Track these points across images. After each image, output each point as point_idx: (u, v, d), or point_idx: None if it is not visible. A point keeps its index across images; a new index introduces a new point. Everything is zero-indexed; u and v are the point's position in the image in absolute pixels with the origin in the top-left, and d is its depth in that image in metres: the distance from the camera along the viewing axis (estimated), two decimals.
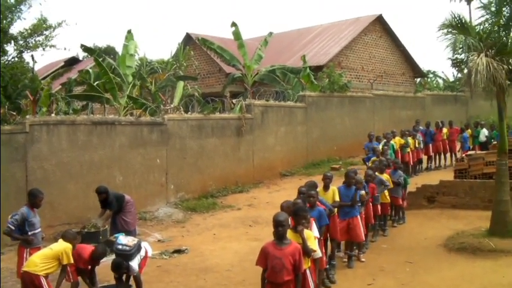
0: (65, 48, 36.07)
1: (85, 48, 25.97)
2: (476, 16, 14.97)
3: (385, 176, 14.74)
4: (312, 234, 8.61)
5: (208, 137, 21.18)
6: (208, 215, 18.37)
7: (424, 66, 47.51)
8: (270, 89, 28.45)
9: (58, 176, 16.27)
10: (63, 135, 16.65)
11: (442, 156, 24.98)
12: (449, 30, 13.60)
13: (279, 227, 7.42)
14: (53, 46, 22.20)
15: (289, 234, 7.94)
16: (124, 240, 9.95)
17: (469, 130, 24.94)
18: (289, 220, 8.17)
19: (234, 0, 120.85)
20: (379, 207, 14.38)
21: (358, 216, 12.29)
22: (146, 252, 10.40)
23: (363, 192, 12.67)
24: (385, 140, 20.74)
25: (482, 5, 14.42)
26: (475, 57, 12.49)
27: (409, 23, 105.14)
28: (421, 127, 24.24)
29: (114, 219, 13.06)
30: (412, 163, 22.34)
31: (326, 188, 11.91)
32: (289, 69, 29.62)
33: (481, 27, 14.18)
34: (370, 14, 38.10)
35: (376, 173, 14.41)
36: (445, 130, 24.47)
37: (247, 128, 22.63)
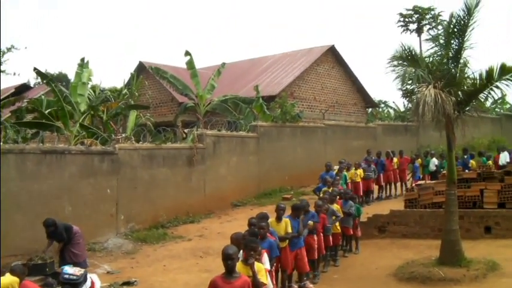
0: (14, 74, 35.49)
1: (38, 72, 25.56)
2: (427, 48, 15.14)
3: (336, 207, 14.77)
4: (263, 267, 8.54)
5: (160, 167, 21.01)
6: (158, 246, 18.15)
7: (375, 96, 48.16)
8: (222, 119, 28.43)
9: (6, 206, 15.88)
10: (11, 164, 16.37)
11: (393, 185, 25.13)
12: (399, 62, 13.82)
13: (228, 260, 7.33)
14: (3, 71, 21.88)
15: (240, 266, 7.87)
16: (70, 270, 9.87)
17: (420, 159, 25.23)
18: (240, 252, 8.11)
19: (188, 30, 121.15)
20: (330, 237, 14.36)
21: (304, 248, 12.35)
22: (93, 284, 10.21)
23: (310, 222, 12.71)
24: (336, 170, 20.89)
25: (431, 37, 14.70)
26: (424, 89, 12.69)
27: (361, 53, 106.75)
28: (372, 157, 24.43)
29: (62, 251, 12.78)
30: (362, 193, 22.42)
31: (279, 219, 11.90)
32: (242, 99, 29.67)
33: (431, 59, 14.45)
34: (322, 44, 38.56)
35: (328, 204, 14.45)
36: (395, 160, 24.73)
37: (199, 158, 22.53)
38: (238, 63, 41.12)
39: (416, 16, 54.78)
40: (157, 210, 20.54)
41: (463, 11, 13.58)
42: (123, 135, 22.45)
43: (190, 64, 29.25)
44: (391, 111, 49.94)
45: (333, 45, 38.01)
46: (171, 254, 17.02)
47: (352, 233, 15.82)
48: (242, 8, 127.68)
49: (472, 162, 22.89)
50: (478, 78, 13.67)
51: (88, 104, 23.83)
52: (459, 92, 13.47)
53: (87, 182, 18.25)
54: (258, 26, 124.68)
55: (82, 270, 10.01)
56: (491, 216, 16.69)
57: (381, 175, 24.23)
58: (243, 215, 20.11)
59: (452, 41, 13.88)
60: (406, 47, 13.87)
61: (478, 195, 17.19)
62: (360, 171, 22.16)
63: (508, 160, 23.28)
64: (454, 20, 13.91)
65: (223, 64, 31.64)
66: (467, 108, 14.11)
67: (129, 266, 15.86)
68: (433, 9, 53.67)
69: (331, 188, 16.87)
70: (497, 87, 13.55)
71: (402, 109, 45.51)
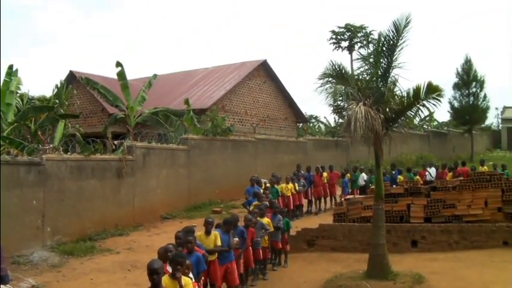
0: None
1: None
2: (357, 66, 15.39)
3: (265, 220, 14.80)
4: (191, 281, 8.47)
5: (88, 179, 20.65)
6: (85, 259, 17.78)
7: (307, 111, 48.76)
8: (152, 131, 28.18)
9: None
10: None
11: (323, 200, 25.31)
12: (329, 79, 13.99)
13: (153, 274, 7.23)
14: None
15: (167, 281, 7.79)
16: None
17: (349, 174, 25.55)
18: (166, 266, 8.04)
19: (121, 40, 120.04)
20: (260, 251, 14.38)
21: (235, 261, 12.33)
22: None
23: (236, 239, 12.71)
24: (268, 184, 20.98)
25: (361, 55, 14.97)
26: (354, 106, 12.87)
27: (294, 68, 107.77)
28: (302, 171, 24.62)
29: None
30: (292, 207, 22.52)
31: (208, 233, 11.88)
32: (173, 112, 29.49)
33: (360, 77, 14.69)
34: (255, 59, 38.75)
35: (257, 218, 14.47)
36: (325, 174, 24.95)
37: (129, 170, 22.27)
38: (170, 76, 40.97)
39: (348, 34, 55.72)
40: (85, 222, 20.14)
41: (392, 31, 13.86)
42: (51, 145, 21.97)
43: (121, 75, 28.90)
44: (322, 126, 50.55)
45: (265, 60, 38.26)
46: (99, 268, 16.70)
47: (281, 246, 15.87)
48: (177, 21, 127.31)
49: (400, 177, 23.37)
50: (405, 96, 13.98)
51: (15, 113, 23.24)
52: (387, 110, 13.73)
53: (12, 194, 17.72)
54: (191, 39, 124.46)
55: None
56: (417, 231, 17.07)
57: (310, 190, 24.40)
58: (172, 228, 19.87)
59: (381, 60, 14.16)
60: (336, 65, 14.06)
61: (405, 210, 17.58)
62: (290, 186, 22.27)
63: (434, 176, 23.85)
64: (383, 40, 14.19)
65: (155, 76, 31.48)
66: (395, 125, 14.41)
67: (54, 280, 15.47)
68: (364, 28, 54.75)
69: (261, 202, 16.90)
70: (423, 105, 13.88)
71: (333, 124, 46.15)
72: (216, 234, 11.90)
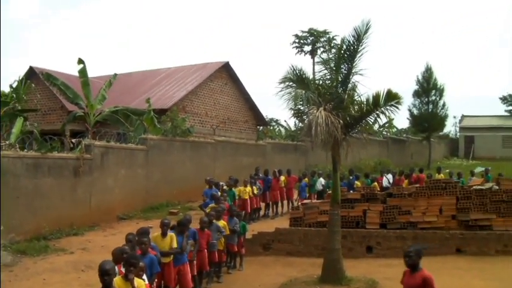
0: None
1: None
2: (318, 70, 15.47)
3: (221, 223, 14.76)
4: (144, 283, 8.44)
5: (45, 177, 20.38)
6: (39, 259, 17.51)
7: (267, 114, 48.83)
8: (112, 130, 27.96)
9: None
10: None
11: (280, 203, 25.33)
12: (290, 84, 14.02)
13: (104, 276, 7.17)
14: None
15: (120, 282, 7.74)
16: None
17: (307, 179, 25.59)
18: (121, 267, 7.98)
19: (83, 37, 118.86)
20: (215, 254, 14.35)
21: (188, 263, 12.28)
22: None
23: (191, 241, 12.69)
24: (225, 187, 20.95)
25: (322, 60, 15.05)
26: (315, 111, 12.92)
27: (256, 71, 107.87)
28: (260, 174, 24.62)
29: None
30: (250, 210, 22.51)
31: (164, 234, 11.85)
32: (133, 111, 29.25)
33: (321, 82, 14.76)
34: (217, 60, 38.69)
35: (214, 220, 14.44)
36: (282, 178, 24.94)
37: (86, 169, 22.05)
38: (132, 75, 40.64)
39: (311, 38, 55.96)
40: (40, 221, 19.85)
41: (353, 37, 13.97)
42: (7, 142, 21.63)
43: (82, 73, 28.60)
44: (283, 130, 50.64)
45: (228, 62, 38.22)
46: (52, 267, 16.47)
47: (236, 249, 15.84)
48: (142, 20, 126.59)
49: (357, 183, 23.50)
50: (365, 102, 14.09)
51: None
52: (347, 115, 13.82)
53: None
54: (156, 39, 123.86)
55: None
56: (373, 236, 17.24)
57: (268, 193, 24.44)
58: (129, 229, 19.68)
59: (341, 66, 14.26)
60: (297, 69, 14.11)
61: (361, 216, 17.71)
62: (248, 189, 22.23)
63: (391, 182, 24.06)
64: (344, 45, 14.29)
65: (115, 75, 31.28)
66: (354, 131, 14.52)
67: (6, 280, 15.20)
68: (327, 33, 55.01)
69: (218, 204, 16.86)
70: (382, 112, 14.01)
71: (293, 128, 46.26)
72: (171, 236, 11.88)
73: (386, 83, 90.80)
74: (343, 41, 14.40)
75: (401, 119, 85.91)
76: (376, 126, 43.41)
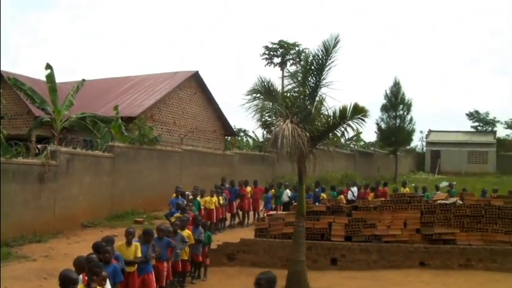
0: None
1: None
2: (287, 83, 15.57)
3: (186, 233, 14.72)
4: None
5: (9, 182, 20.03)
6: (1, 266, 17.27)
7: (235, 124, 48.77)
8: (78, 136, 27.75)
9: None
10: None
11: (246, 214, 25.29)
12: (257, 95, 14.06)
13: (63, 285, 7.07)
14: None
15: None
16: None
17: (273, 190, 25.62)
18: (85, 276, 7.93)
19: (51, 42, 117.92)
20: (179, 263, 14.31)
21: (153, 273, 12.18)
22: None
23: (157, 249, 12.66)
24: (191, 196, 20.91)
25: (290, 73, 15.15)
26: (282, 123, 12.98)
27: (225, 80, 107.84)
28: (226, 185, 24.60)
29: None
30: (215, 220, 22.45)
31: (129, 243, 11.78)
32: (100, 118, 29.01)
33: (288, 94, 14.83)
34: (187, 70, 38.65)
35: (179, 230, 14.39)
36: (249, 189, 24.98)
37: (51, 175, 21.79)
38: (100, 81, 40.32)
39: (281, 50, 56.10)
40: (3, 227, 19.42)
41: (321, 50, 14.07)
42: None
43: (50, 78, 28.33)
44: (250, 140, 50.66)
45: (197, 72, 38.24)
46: (14, 275, 16.21)
47: (201, 259, 15.79)
48: (110, 27, 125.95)
49: (323, 195, 23.60)
50: (332, 116, 14.19)
51: None
52: (313, 128, 13.88)
53: None
54: (124, 46, 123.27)
55: None
56: (337, 249, 17.36)
57: (234, 203, 24.43)
58: (93, 237, 19.54)
59: (309, 79, 14.35)
60: (265, 81, 14.15)
61: (326, 228, 17.81)
62: (214, 199, 22.18)
63: (355, 195, 24.21)
64: (312, 59, 14.38)
65: (83, 80, 31.02)
66: (321, 144, 14.60)
67: None
68: (297, 45, 55.20)
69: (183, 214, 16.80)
70: (349, 125, 14.13)
71: (261, 139, 46.32)
72: (136, 245, 11.83)
73: (356, 97, 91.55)
74: (311, 54, 14.51)
75: (369, 133, 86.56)
76: (343, 139, 43.70)
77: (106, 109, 32.64)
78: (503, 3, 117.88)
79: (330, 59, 14.12)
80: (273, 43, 56.15)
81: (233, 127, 44.82)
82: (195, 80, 38.28)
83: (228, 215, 24.48)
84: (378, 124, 49.44)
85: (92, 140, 26.72)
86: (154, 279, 12.23)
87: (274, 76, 55.28)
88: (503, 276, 16.25)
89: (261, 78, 14.15)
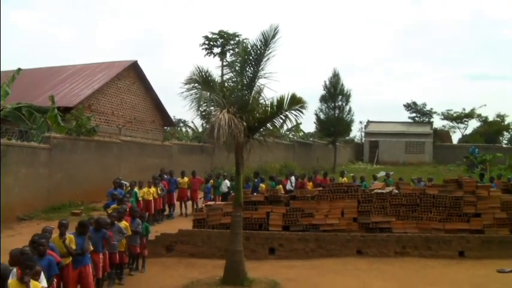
0: None
1: None
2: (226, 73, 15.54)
3: (123, 224, 14.58)
4: (40, 285, 8.25)
5: None
6: None
7: (175, 115, 48.53)
8: (13, 127, 27.18)
9: None
10: None
11: (184, 205, 25.22)
12: (195, 85, 13.99)
13: None
14: None
15: (15, 284, 7.56)
16: None
17: (212, 181, 25.57)
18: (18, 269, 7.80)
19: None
20: (117, 255, 14.17)
21: (90, 265, 12.03)
22: None
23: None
24: (129, 188, 20.75)
25: (228, 63, 15.13)
26: (218, 113, 12.96)
27: (164, 70, 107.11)
28: (165, 175, 24.45)
29: None
30: (153, 211, 22.34)
31: (62, 235, 11.59)
32: (36, 108, 28.46)
33: (226, 84, 14.82)
34: (126, 59, 38.25)
35: (116, 222, 14.25)
36: (186, 179, 24.93)
37: None
38: (37, 71, 39.55)
39: (221, 41, 55.90)
40: None
41: (260, 41, 14.07)
42: None
43: None
44: (190, 131, 50.46)
45: (136, 61, 37.94)
46: None
47: (139, 251, 15.67)
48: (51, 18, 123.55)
49: (262, 185, 23.65)
50: (269, 106, 14.23)
51: None
52: (251, 118, 13.91)
53: None
54: (63, 35, 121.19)
55: None
56: (275, 238, 17.48)
57: (173, 194, 24.34)
58: (29, 230, 19.22)
59: (247, 69, 14.34)
60: (203, 71, 14.09)
61: (264, 218, 17.90)
62: (152, 190, 22.05)
63: (294, 185, 24.35)
64: (250, 49, 14.37)
65: (19, 70, 30.36)
66: (258, 134, 14.64)
67: None
68: (237, 36, 55.06)
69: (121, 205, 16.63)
70: (286, 116, 14.19)
71: (200, 130, 46.18)
72: (70, 238, 11.66)
73: (296, 88, 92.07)
74: (249, 45, 14.51)
75: (308, 123, 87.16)
76: (283, 130, 43.90)
77: (42, 99, 31.99)
78: None
79: (268, 50, 14.11)
80: (213, 33, 55.88)
81: (173, 117, 44.64)
82: (134, 69, 37.94)
83: (167, 206, 24.32)
84: (317, 115, 49.82)
85: (28, 130, 26.18)
86: (91, 271, 12.06)
87: (214, 66, 55.14)
88: (438, 262, 16.75)
89: (198, 67, 14.08)
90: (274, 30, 14.05)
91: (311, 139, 55.56)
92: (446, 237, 17.62)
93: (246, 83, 14.42)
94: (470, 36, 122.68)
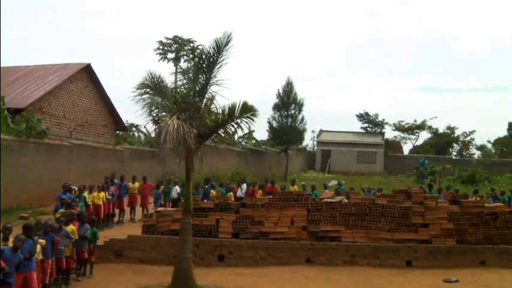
0: None
1: None
2: (179, 79, 15.50)
3: (70, 228, 14.40)
4: None
5: None
6: None
7: (128, 119, 48.13)
8: None
9: None
10: None
11: (134, 210, 25.07)
12: (147, 90, 13.92)
13: None
14: None
15: None
16: None
17: (163, 186, 25.45)
18: None
19: None
20: (63, 260, 13.99)
21: (35, 270, 11.86)
22: None
23: (42, 241, 12.33)
24: (78, 192, 20.54)
25: (181, 70, 15.11)
26: (168, 119, 12.93)
27: (119, 75, 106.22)
28: (116, 180, 24.26)
29: None
30: (102, 216, 22.11)
31: (5, 239, 11.40)
32: None
33: (178, 90, 14.79)
34: (79, 62, 37.83)
35: (63, 226, 14.07)
36: (137, 185, 24.82)
37: None
38: None
39: (175, 46, 55.82)
40: None
41: (213, 48, 14.11)
42: None
43: None
44: (142, 136, 50.16)
45: (89, 64, 37.55)
46: None
47: (87, 256, 15.49)
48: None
49: (213, 192, 23.66)
50: (220, 113, 14.25)
51: None
52: (202, 125, 13.90)
53: None
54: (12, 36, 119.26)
55: None
56: (225, 246, 17.48)
57: (124, 199, 24.17)
58: None
59: (200, 76, 14.35)
60: (155, 76, 14.05)
61: (214, 225, 17.88)
62: (102, 194, 21.85)
63: (244, 192, 24.39)
64: (203, 56, 14.40)
65: None
66: (209, 141, 14.64)
67: None
68: (192, 42, 55.06)
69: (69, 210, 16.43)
70: (238, 123, 14.23)
71: (153, 135, 45.88)
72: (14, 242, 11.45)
73: (251, 96, 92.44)
74: (202, 51, 14.55)
75: (261, 131, 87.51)
76: (236, 137, 43.93)
77: None
78: (392, 12, 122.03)
79: (221, 57, 14.18)
80: (167, 38, 55.79)
81: (125, 122, 44.28)
82: (87, 72, 37.54)
83: (117, 211, 24.14)
84: (269, 123, 50.05)
85: None
86: (35, 277, 11.85)
87: (167, 71, 55.00)
88: (386, 271, 17.00)
89: (150, 73, 14.03)
90: (228, 38, 14.12)
91: (263, 147, 55.65)
92: (395, 246, 17.90)
93: (198, 89, 14.43)
94: (423, 49, 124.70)
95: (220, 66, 14.28)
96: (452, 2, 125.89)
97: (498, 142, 69.57)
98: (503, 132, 72.34)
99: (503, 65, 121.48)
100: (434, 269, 17.29)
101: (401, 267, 17.50)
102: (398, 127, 70.88)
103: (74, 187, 21.38)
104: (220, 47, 14.12)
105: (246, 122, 14.31)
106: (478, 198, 22.64)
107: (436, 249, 18.01)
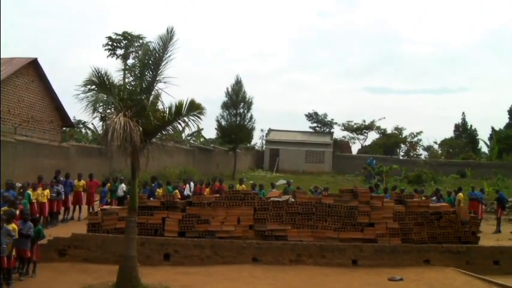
0: None
1: None
2: (125, 76, 15.35)
3: (11, 226, 14.11)
4: None
5: None
6: None
7: (75, 115, 47.36)
8: None
9: None
10: None
11: (79, 208, 24.76)
12: (92, 87, 13.72)
13: None
14: None
15: None
16: None
17: (109, 184, 25.22)
18: None
19: None
20: (5, 259, 13.71)
21: None
22: None
23: None
24: (22, 189, 20.19)
25: (128, 66, 14.96)
26: (114, 116, 12.79)
27: (68, 70, 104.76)
28: (61, 177, 23.89)
29: None
30: (47, 214, 21.76)
31: None
32: None
33: (125, 87, 14.65)
34: (25, 56, 37.09)
35: (4, 224, 13.79)
36: (83, 182, 24.56)
37: None
38: None
39: (124, 42, 55.30)
40: None
41: (159, 44, 14.03)
42: None
43: None
44: (90, 132, 49.59)
45: (36, 59, 36.81)
46: None
47: (29, 255, 15.18)
48: None
49: (159, 190, 23.55)
50: (167, 111, 14.17)
51: None
52: (148, 123, 13.78)
53: None
54: None
55: None
56: (171, 244, 17.42)
57: (69, 197, 23.82)
58: None
59: (146, 73, 14.22)
60: (101, 73, 13.85)
61: (160, 223, 17.85)
62: (46, 192, 21.50)
63: (192, 190, 24.35)
64: (149, 52, 14.28)
65: None
66: (156, 139, 14.54)
67: None
68: (142, 38, 54.60)
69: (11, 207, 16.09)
70: (185, 121, 14.18)
71: (100, 132, 45.37)
72: None
73: (200, 94, 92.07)
74: (148, 47, 14.42)
75: (210, 129, 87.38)
76: (183, 135, 43.73)
77: None
78: (342, 13, 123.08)
79: (167, 54, 14.09)
80: (117, 34, 55.24)
81: (73, 118, 43.58)
82: (34, 67, 36.80)
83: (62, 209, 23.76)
84: (218, 121, 49.97)
85: None
86: None
87: (115, 68, 54.52)
88: (332, 270, 17.21)
89: (96, 69, 13.81)
90: (171, 33, 14.04)
91: (212, 145, 55.58)
92: (341, 245, 18.12)
93: (145, 86, 14.31)
94: (372, 50, 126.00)
95: (166, 63, 14.18)
96: (401, 4, 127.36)
97: (444, 143, 71.09)
98: (449, 133, 74.05)
99: (451, 68, 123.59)
100: (380, 267, 17.56)
101: (347, 266, 17.73)
102: (347, 127, 71.49)
103: (17, 184, 21.00)
104: (165, 43, 14.04)
105: (194, 120, 14.27)
106: (423, 198, 22.98)
107: (382, 248, 18.29)
